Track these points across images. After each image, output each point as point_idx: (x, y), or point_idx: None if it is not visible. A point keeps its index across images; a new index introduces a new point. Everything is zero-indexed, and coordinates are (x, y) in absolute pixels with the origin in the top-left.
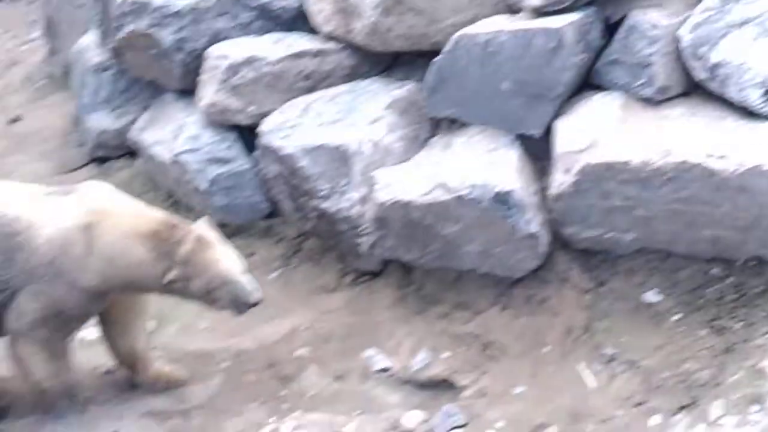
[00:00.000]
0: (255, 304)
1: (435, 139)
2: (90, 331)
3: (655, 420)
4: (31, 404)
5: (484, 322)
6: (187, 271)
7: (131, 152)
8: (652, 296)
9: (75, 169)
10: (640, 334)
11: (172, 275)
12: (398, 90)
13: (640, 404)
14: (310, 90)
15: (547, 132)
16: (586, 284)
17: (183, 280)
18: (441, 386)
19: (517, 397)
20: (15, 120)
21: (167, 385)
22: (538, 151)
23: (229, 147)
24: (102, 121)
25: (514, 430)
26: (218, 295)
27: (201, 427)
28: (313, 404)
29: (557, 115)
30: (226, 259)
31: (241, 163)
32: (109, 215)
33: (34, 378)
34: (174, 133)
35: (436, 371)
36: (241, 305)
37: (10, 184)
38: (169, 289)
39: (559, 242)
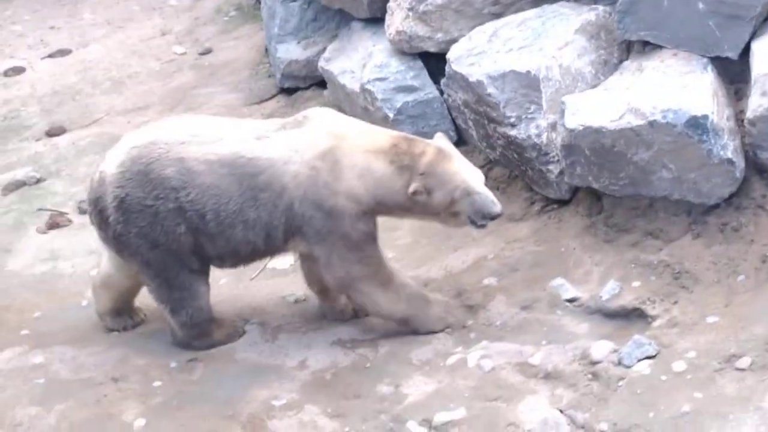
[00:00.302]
0: (496, 216)
1: (626, 63)
2: (280, 261)
3: None
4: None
5: (676, 250)
6: (429, 183)
7: (319, 82)
8: None
9: (265, 100)
10: None
11: (414, 186)
12: (588, 13)
13: None
14: (498, 15)
15: (743, 54)
16: None
17: (425, 193)
18: (631, 316)
19: (710, 327)
20: (206, 52)
21: (356, 315)
22: (732, 74)
23: (416, 75)
24: (291, 51)
25: (707, 361)
26: (460, 208)
27: (388, 356)
28: (501, 334)
29: (754, 36)
30: (468, 171)
31: (428, 91)
32: (346, 137)
33: (389, 314)
34: (362, 62)
35: (626, 301)
36: (483, 217)
37: (240, 123)
38: (412, 204)
39: (755, 168)
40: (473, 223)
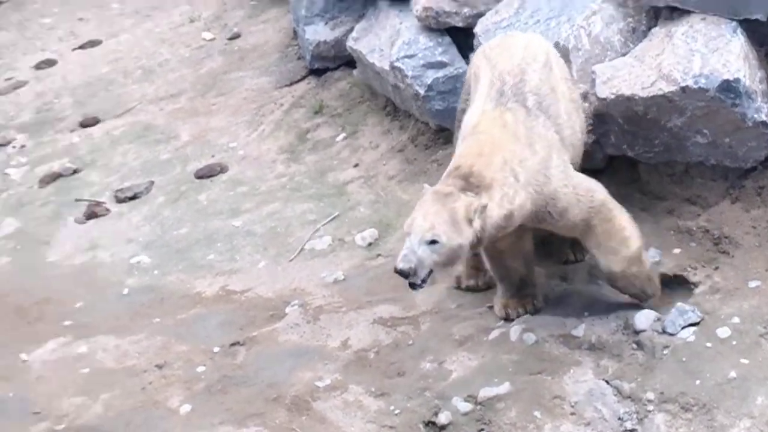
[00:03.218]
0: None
1: (655, 29)
2: (318, 242)
3: None
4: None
5: (714, 215)
6: None
7: (349, 62)
8: None
9: (295, 82)
10: None
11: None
12: None
13: None
14: None
15: None
16: None
17: None
18: (672, 283)
19: (753, 292)
20: (234, 36)
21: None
22: (762, 37)
23: (445, 51)
24: (319, 32)
25: (751, 326)
26: None
27: (430, 333)
28: (542, 306)
29: None
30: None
31: (458, 66)
32: None
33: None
34: (390, 40)
35: (667, 268)
36: None
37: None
38: None
39: None
40: None
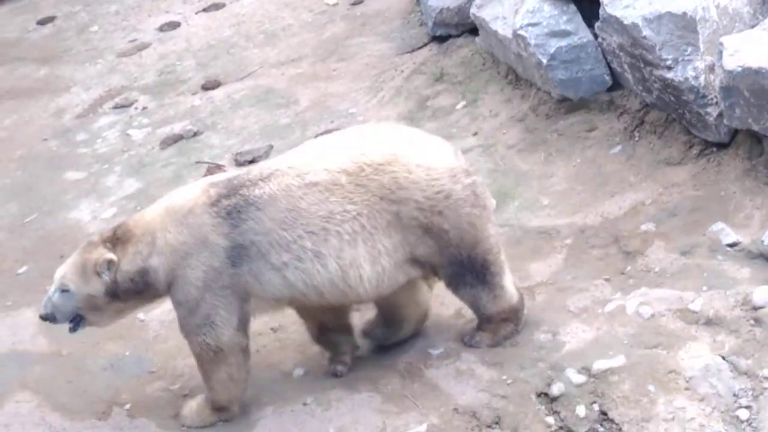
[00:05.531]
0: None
1: None
2: None
3: None
4: None
5: None
6: None
7: (471, 29)
8: None
9: (416, 49)
10: None
11: None
12: None
13: None
14: None
15: None
16: None
17: None
18: None
19: None
20: (357, 2)
21: None
22: None
23: (570, 19)
24: None
25: None
26: None
27: (545, 304)
28: (660, 280)
29: None
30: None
31: (582, 35)
32: None
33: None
34: (514, 8)
35: None
36: None
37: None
38: None
39: None
40: None
